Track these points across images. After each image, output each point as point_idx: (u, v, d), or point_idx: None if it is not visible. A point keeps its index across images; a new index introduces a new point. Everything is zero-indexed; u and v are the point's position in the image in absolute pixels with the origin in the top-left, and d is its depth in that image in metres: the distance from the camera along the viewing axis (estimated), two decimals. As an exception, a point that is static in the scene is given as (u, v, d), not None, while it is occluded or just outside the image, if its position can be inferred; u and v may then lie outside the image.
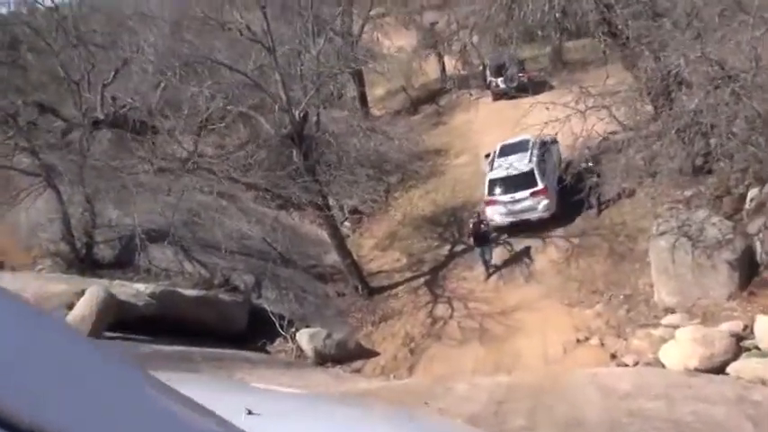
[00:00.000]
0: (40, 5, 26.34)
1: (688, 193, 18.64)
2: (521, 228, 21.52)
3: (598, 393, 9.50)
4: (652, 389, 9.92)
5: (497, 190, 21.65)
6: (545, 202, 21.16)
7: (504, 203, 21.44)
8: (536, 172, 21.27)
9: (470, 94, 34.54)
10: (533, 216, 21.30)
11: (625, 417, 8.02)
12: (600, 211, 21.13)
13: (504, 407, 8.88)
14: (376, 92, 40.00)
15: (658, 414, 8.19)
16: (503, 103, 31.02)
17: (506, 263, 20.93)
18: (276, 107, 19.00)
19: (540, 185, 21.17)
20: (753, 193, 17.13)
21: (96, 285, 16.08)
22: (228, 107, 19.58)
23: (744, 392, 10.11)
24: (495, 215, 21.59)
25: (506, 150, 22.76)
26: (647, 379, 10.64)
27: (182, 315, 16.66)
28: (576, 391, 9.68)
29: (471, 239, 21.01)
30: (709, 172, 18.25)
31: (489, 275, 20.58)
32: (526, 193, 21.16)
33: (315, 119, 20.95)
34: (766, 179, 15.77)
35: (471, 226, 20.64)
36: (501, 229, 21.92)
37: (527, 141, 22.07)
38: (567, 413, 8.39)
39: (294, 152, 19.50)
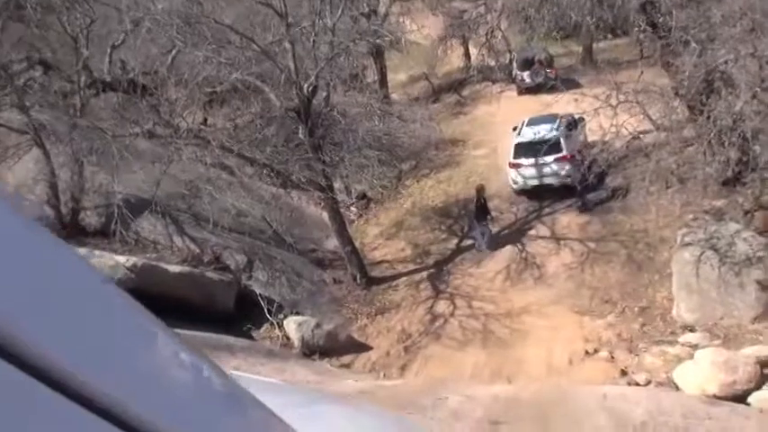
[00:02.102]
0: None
1: (717, 203, 17.31)
2: (542, 193, 21.97)
3: (610, 421, 8.27)
4: (669, 418, 8.69)
5: (523, 154, 22.03)
6: (568, 167, 21.30)
7: (529, 166, 21.92)
8: (562, 139, 21.69)
9: (494, 83, 33.54)
10: (555, 181, 21.73)
11: (642, 458, 6.81)
12: (584, 209, 21.06)
13: (499, 430, 7.68)
14: (398, 77, 39.28)
15: (681, 457, 6.99)
16: (528, 98, 30.08)
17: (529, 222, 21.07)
18: (282, 77, 17.78)
19: (565, 152, 21.48)
20: (788, 209, 15.84)
21: (73, 252, 14.93)
22: (234, 75, 18.34)
23: (773, 431, 8.86)
24: (519, 178, 22.20)
25: (534, 121, 23.27)
26: (663, 404, 9.41)
27: (163, 292, 15.36)
28: (585, 416, 8.46)
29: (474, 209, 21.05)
30: (743, 183, 16.91)
31: (484, 249, 20.61)
32: (550, 158, 21.49)
33: (325, 94, 19.68)
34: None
35: (475, 200, 20.94)
36: (523, 192, 22.42)
37: (555, 115, 22.50)
38: (571, 446, 7.19)
39: (300, 128, 18.34)
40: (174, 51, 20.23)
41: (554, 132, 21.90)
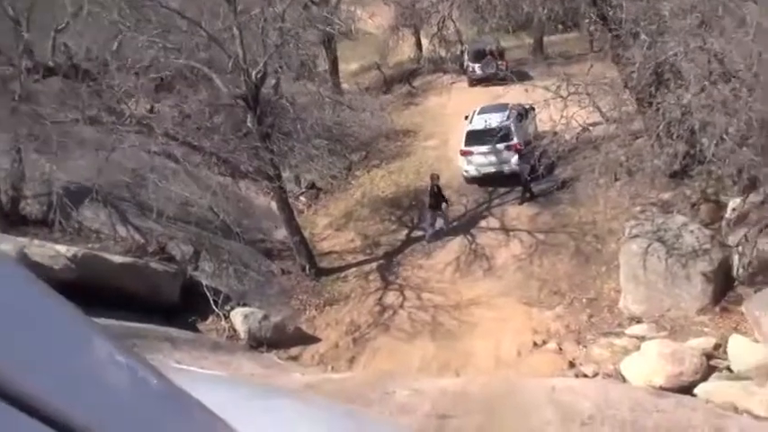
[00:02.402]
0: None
1: (665, 196, 17.44)
2: (491, 181, 22.11)
3: (557, 415, 8.17)
4: (617, 411, 8.63)
5: (474, 142, 22.28)
6: (518, 156, 21.46)
7: (480, 154, 22.14)
8: (512, 128, 22.05)
9: (445, 74, 33.63)
10: (506, 169, 21.89)
11: (590, 454, 6.70)
12: (525, 200, 21.22)
13: (447, 424, 7.53)
14: (349, 67, 38.99)
15: (629, 452, 6.91)
16: (479, 90, 30.20)
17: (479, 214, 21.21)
18: (230, 64, 17.37)
19: (516, 141, 21.81)
20: (735, 202, 15.99)
21: (10, 243, 14.39)
22: (180, 61, 17.87)
23: (719, 422, 8.89)
24: (470, 166, 22.37)
25: (485, 110, 23.61)
26: (610, 397, 9.36)
27: (105, 283, 14.91)
28: (533, 409, 8.36)
29: (428, 199, 20.94)
30: (690, 176, 17.05)
31: (427, 238, 20.60)
32: (501, 146, 21.68)
33: (274, 82, 19.31)
34: (760, 186, 14.58)
35: (430, 188, 20.80)
36: (473, 181, 22.55)
37: (506, 105, 22.99)
38: (520, 442, 7.06)
39: (248, 116, 17.97)
40: (119, 37, 19.66)
41: (505, 121, 22.22)
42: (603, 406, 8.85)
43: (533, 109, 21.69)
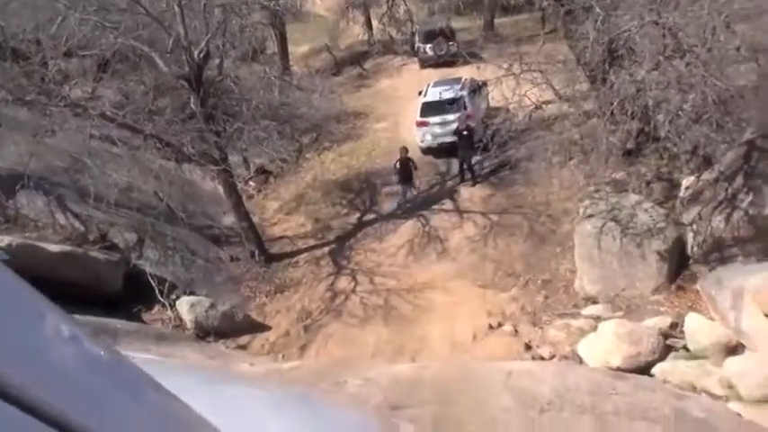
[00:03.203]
0: None
1: (618, 175, 17.26)
2: (447, 151, 22.15)
3: (516, 402, 7.83)
4: (576, 395, 8.33)
5: (429, 113, 22.87)
6: (473, 125, 21.65)
7: (435, 125, 22.59)
8: (466, 98, 22.74)
9: (396, 56, 33.45)
10: None
11: (552, 444, 6.35)
12: (476, 182, 21.24)
13: (400, 415, 7.11)
14: (299, 49, 38.48)
15: (593, 441, 6.59)
16: (430, 71, 29.97)
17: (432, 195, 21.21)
18: (170, 42, 16.66)
19: (470, 110, 22.40)
20: (688, 180, 15.86)
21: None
22: (120, 40, 17.09)
23: (680, 404, 8.65)
24: (427, 136, 22.82)
25: (439, 83, 24.48)
26: (568, 381, 9.06)
27: (42, 273, 14.10)
28: (490, 396, 8.00)
29: (396, 174, 20.95)
30: (644, 154, 16.89)
31: (402, 211, 20.59)
32: (456, 116, 22.07)
33: (217, 62, 18.59)
34: (715, 163, 14.44)
35: (399, 160, 20.76)
36: (429, 151, 22.85)
37: (459, 78, 23.90)
38: (477, 432, 6.68)
39: (191, 97, 17.30)
40: (59, 18, 18.77)
41: (459, 92, 23.05)
42: (562, 390, 8.55)
43: (486, 84, 21.77)
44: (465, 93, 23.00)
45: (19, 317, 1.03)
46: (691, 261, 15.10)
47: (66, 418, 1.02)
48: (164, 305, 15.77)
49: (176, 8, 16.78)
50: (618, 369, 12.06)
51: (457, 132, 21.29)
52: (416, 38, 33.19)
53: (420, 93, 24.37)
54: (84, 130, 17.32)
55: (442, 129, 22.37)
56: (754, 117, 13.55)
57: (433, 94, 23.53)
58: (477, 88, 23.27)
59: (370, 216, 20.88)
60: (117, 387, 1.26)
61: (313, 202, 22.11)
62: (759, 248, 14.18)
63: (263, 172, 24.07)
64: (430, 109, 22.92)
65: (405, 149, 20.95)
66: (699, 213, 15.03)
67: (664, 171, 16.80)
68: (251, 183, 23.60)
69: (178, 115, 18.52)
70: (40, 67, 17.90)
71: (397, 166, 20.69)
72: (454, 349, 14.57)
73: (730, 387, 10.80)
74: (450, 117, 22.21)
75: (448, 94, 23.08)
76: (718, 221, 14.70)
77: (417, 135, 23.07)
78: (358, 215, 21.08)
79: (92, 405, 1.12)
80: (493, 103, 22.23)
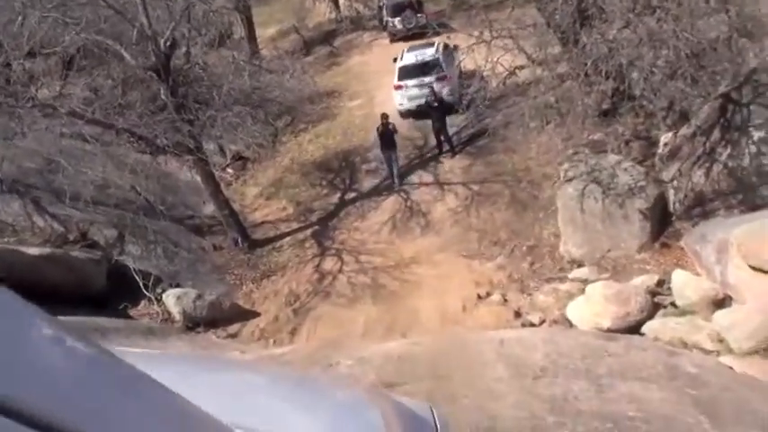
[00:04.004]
0: None
1: (596, 136, 17.23)
2: (426, 114, 21.87)
3: (509, 370, 7.81)
4: (569, 360, 8.33)
5: (406, 76, 23.26)
6: (449, 87, 22.42)
7: (413, 87, 22.95)
8: (442, 60, 23.18)
9: (365, 32, 33.17)
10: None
11: (548, 414, 6.32)
12: (454, 153, 21.26)
13: (394, 392, 7.06)
14: (267, 32, 38.05)
15: (589, 406, 6.57)
16: (400, 45, 29.55)
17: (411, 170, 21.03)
18: (134, 34, 16.37)
19: (446, 72, 22.77)
20: (666, 137, 15.85)
21: None
22: (83, 35, 16.77)
23: (672, 361, 8.66)
24: (405, 99, 23.16)
25: (413, 48, 24.91)
26: (561, 346, 9.05)
27: (24, 277, 13.93)
28: (483, 368, 7.98)
29: (379, 143, 20.92)
30: (620, 114, 16.86)
31: (396, 183, 20.47)
32: (432, 77, 22.64)
33: (184, 50, 18.31)
34: (691, 117, 14.42)
35: (380, 127, 20.66)
36: (408, 114, 23.11)
37: (432, 42, 24.15)
38: (474, 406, 6.64)
39: (161, 88, 17.06)
40: (19, 19, 18.37)
41: (435, 54, 23.51)
42: (555, 356, 8.54)
43: (457, 47, 22.07)
44: (440, 54, 23.37)
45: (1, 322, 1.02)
46: (673, 218, 15.13)
47: (57, 422, 1.00)
48: (150, 299, 15.60)
49: (139, -3, 16.47)
50: (608, 330, 12.10)
51: (428, 104, 21.30)
52: (384, 12, 32.93)
53: (395, 59, 24.61)
54: (54, 129, 17.06)
55: (420, 90, 22.56)
56: (728, 69, 13.51)
57: (409, 58, 23.89)
58: (450, 52, 23.51)
59: (351, 195, 20.79)
60: (108, 385, 1.26)
61: (293, 186, 21.97)
62: (740, 201, 14.23)
63: (239, 158, 23.87)
64: (407, 72, 23.26)
65: (385, 115, 20.81)
66: (678, 169, 15.04)
67: (641, 129, 16.79)
68: (228, 170, 23.39)
69: (149, 107, 18.25)
70: (3, 68, 17.60)
71: (379, 129, 20.56)
72: (444, 322, 14.55)
73: (720, 341, 10.86)
74: (427, 79, 22.55)
75: (423, 57, 23.46)
76: (698, 176, 14.72)
77: (396, 99, 23.35)
78: (339, 195, 20.98)
79: (83, 406, 1.11)
80: (465, 68, 21.96)
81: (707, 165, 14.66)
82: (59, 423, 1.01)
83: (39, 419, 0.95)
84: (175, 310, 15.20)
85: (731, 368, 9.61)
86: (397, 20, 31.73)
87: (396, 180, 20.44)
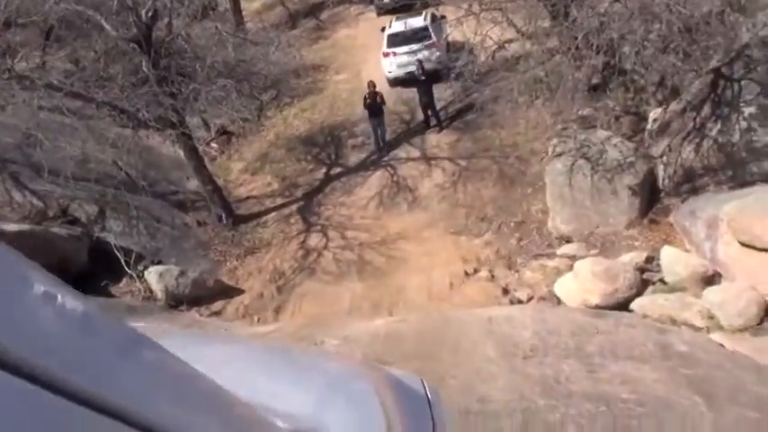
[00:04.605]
0: None
1: (585, 111, 17.03)
2: (415, 81, 21.44)
3: (498, 350, 7.64)
4: (559, 338, 8.17)
5: (395, 44, 23.24)
6: (438, 54, 22.45)
7: (402, 54, 22.93)
8: (430, 28, 23.12)
9: (352, 4, 32.72)
10: (427, 66, 21.81)
11: (539, 396, 6.16)
12: (442, 128, 20.89)
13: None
14: (252, 5, 37.35)
15: (581, 387, 6.41)
16: (388, 18, 29.05)
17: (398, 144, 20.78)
18: (115, 4, 15.96)
19: (434, 39, 22.70)
20: (656, 113, 15.68)
21: None
22: (61, 4, 16.34)
23: (663, 339, 8.54)
24: (393, 66, 23.13)
25: (401, 17, 24.55)
26: (549, 324, 8.91)
27: (2, 254, 13.69)
28: (472, 347, 7.80)
29: (366, 111, 20.78)
30: (611, 89, 16.65)
31: (382, 154, 20.48)
32: (421, 45, 22.67)
33: (167, 21, 17.88)
34: (682, 92, 14.23)
35: (367, 95, 20.59)
36: (396, 82, 22.94)
37: (420, 11, 23.92)
38: (463, 388, 6.47)
39: (143, 60, 16.68)
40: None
41: (422, 22, 23.38)
42: (544, 334, 8.39)
43: (444, 17, 22.70)
44: (428, 22, 23.28)
45: None
46: (662, 194, 15.01)
47: (54, 377, 0.99)
48: (132, 277, 15.32)
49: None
50: (596, 307, 11.97)
51: (415, 77, 21.09)
52: (372, -16, 32.48)
53: (383, 29, 24.47)
54: (33, 102, 16.64)
55: (409, 57, 22.51)
56: (721, 44, 13.30)
57: (398, 26, 23.81)
58: (438, 22, 23.50)
59: (337, 170, 20.52)
60: (107, 345, 1.20)
61: (278, 160, 21.67)
62: (730, 176, 14.11)
63: (224, 133, 23.50)
64: (395, 40, 23.24)
65: (372, 83, 20.69)
66: (668, 145, 14.89)
67: (631, 105, 16.62)
68: (212, 144, 23.04)
69: (130, 80, 17.86)
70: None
71: (367, 98, 20.40)
72: (432, 299, 14.40)
73: (710, 318, 10.75)
74: (416, 46, 22.55)
75: (412, 25, 23.38)
76: (687, 152, 14.58)
77: (384, 66, 23.31)
78: (325, 170, 20.71)
79: (84, 364, 1.07)
80: (453, 40, 22.07)
81: (697, 140, 14.51)
82: (57, 379, 0.99)
83: (28, 371, 0.93)
84: (158, 288, 14.96)
85: (722, 345, 9.51)
86: (383, -8, 31.30)
87: (382, 144, 20.42)
